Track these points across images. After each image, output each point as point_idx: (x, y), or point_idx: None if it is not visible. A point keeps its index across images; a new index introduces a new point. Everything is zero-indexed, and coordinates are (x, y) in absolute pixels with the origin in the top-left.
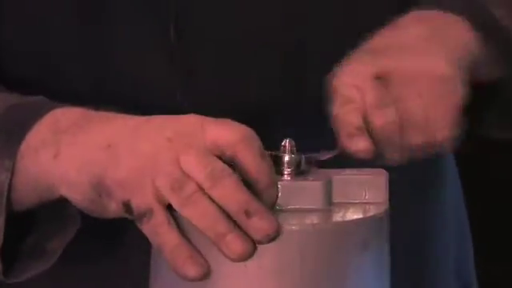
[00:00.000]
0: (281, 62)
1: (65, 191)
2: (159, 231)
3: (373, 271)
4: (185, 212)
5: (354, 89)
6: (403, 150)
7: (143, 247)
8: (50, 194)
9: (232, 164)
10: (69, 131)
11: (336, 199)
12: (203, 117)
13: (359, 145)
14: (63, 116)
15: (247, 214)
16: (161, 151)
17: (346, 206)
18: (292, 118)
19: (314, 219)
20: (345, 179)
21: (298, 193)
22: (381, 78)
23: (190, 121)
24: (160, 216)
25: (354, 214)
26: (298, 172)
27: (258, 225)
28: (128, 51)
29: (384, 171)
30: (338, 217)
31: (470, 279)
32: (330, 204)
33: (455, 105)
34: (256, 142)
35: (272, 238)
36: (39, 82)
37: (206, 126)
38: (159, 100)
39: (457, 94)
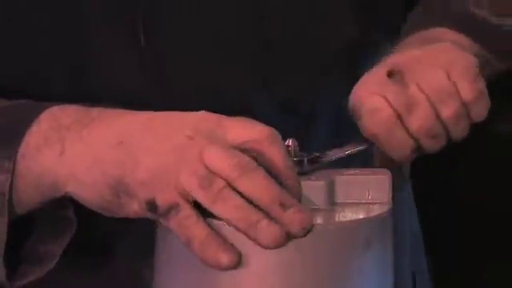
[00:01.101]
0: (250, 63)
1: (72, 189)
2: (187, 224)
3: (376, 271)
4: (215, 208)
5: (375, 96)
6: (441, 133)
7: (132, 263)
8: (54, 192)
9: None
10: (72, 128)
11: (339, 199)
12: (218, 114)
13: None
14: (62, 113)
15: (282, 206)
16: (183, 149)
17: (349, 206)
18: (268, 118)
19: (316, 219)
20: (348, 179)
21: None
22: (395, 74)
23: (207, 118)
24: (187, 209)
25: (356, 214)
26: (301, 172)
27: (295, 217)
28: (101, 55)
29: (387, 171)
30: (340, 217)
31: (421, 267)
32: (332, 204)
33: (472, 62)
34: (280, 138)
35: (308, 231)
36: (12, 88)
37: (226, 123)
38: (133, 103)
39: (470, 56)
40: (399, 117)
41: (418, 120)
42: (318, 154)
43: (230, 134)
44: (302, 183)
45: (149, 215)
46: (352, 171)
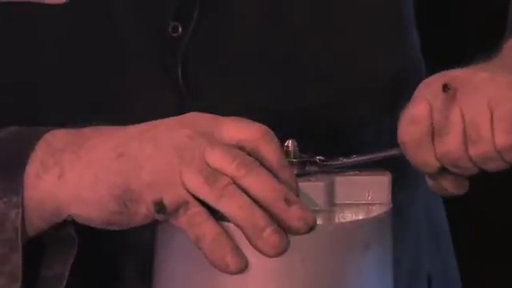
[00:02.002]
0: (281, 94)
1: (75, 210)
2: (198, 221)
3: (375, 271)
4: (221, 204)
5: (421, 102)
6: (468, 166)
7: (138, 283)
8: (56, 216)
9: None
10: (66, 150)
11: (339, 200)
12: (213, 114)
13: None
14: (54, 137)
15: (287, 202)
16: (184, 149)
17: (349, 206)
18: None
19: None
20: (348, 180)
21: (301, 194)
22: (450, 89)
23: (203, 117)
24: (197, 206)
25: (356, 215)
26: (301, 173)
27: (299, 213)
28: (137, 105)
29: (387, 172)
30: (339, 218)
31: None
32: (332, 205)
33: None
34: (275, 137)
35: (310, 228)
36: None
37: (222, 122)
38: None
39: None
40: (432, 134)
41: (446, 146)
42: (321, 158)
43: (227, 132)
44: (302, 184)
45: (157, 217)
46: (352, 172)
